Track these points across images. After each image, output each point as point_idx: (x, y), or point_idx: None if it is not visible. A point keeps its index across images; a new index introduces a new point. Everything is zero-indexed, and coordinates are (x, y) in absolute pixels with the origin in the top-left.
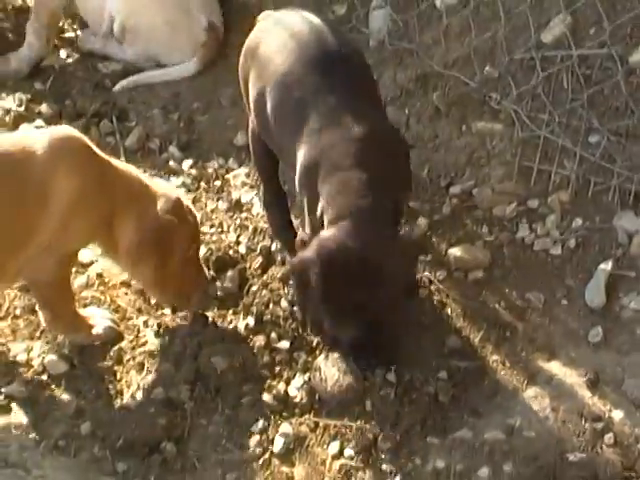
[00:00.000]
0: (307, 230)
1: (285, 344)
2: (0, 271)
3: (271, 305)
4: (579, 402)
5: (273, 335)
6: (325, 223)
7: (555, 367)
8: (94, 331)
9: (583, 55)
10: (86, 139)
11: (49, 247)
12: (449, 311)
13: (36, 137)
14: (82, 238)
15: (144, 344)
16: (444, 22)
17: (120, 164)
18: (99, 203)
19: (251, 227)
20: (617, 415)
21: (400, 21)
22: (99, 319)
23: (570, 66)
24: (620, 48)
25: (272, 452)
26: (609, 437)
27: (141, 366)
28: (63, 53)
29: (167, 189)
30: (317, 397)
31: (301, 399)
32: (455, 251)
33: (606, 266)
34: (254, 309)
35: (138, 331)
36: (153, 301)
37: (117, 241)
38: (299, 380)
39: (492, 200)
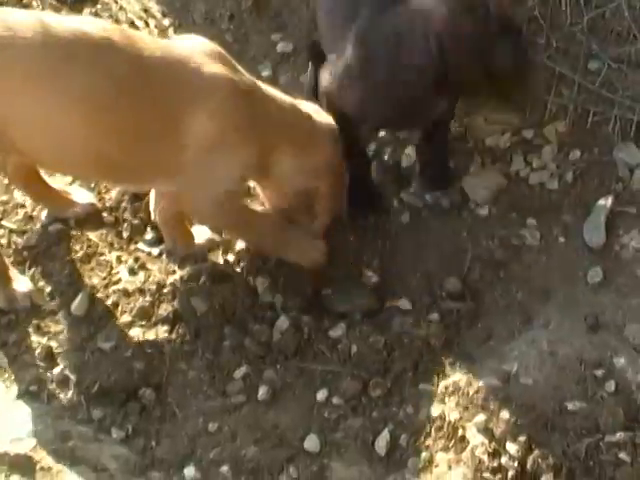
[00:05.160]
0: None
1: (266, 280)
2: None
3: None
4: (578, 347)
5: (255, 273)
6: None
7: (552, 309)
8: None
9: None
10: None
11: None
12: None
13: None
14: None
15: (117, 282)
16: None
17: (274, 93)
18: (252, 138)
19: None
20: (618, 361)
21: None
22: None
23: None
24: None
25: (256, 399)
26: (610, 385)
27: (115, 306)
28: None
29: (323, 117)
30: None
31: (286, 343)
32: None
33: (605, 202)
34: (234, 244)
35: (111, 268)
36: (126, 234)
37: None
38: (283, 322)
39: (484, 130)
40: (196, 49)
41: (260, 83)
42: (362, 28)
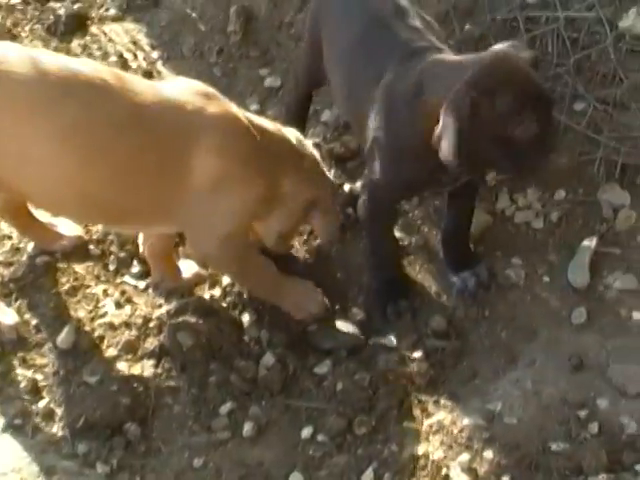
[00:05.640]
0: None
1: (252, 316)
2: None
3: None
4: (562, 388)
5: (241, 309)
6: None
7: (536, 349)
8: None
9: (570, 17)
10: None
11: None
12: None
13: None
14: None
15: (104, 315)
16: None
17: (263, 122)
18: (260, 171)
19: None
20: (602, 402)
21: None
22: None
23: (556, 29)
24: (609, 12)
25: (241, 435)
26: (593, 426)
27: (101, 339)
28: None
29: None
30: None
31: (271, 379)
32: None
33: (590, 243)
34: (221, 279)
35: (97, 301)
36: (113, 267)
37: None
38: (269, 358)
39: None
40: (190, 90)
41: (249, 114)
42: (388, 82)
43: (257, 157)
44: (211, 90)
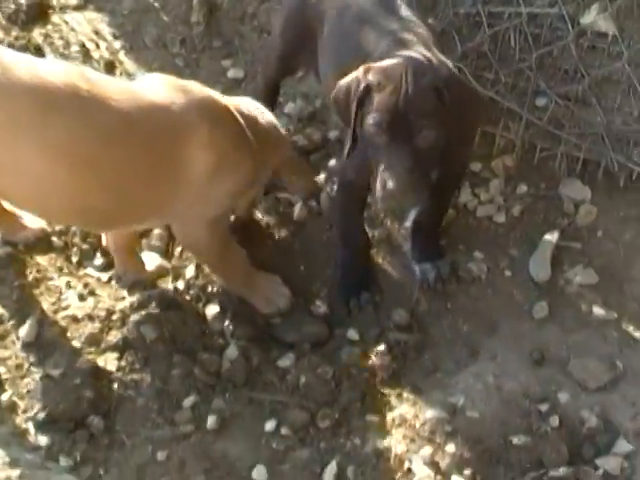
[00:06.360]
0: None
1: (216, 308)
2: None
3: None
4: (523, 381)
5: (204, 301)
6: None
7: (498, 343)
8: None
9: (532, 13)
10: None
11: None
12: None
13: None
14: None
15: (67, 308)
16: None
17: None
18: (248, 149)
19: None
20: (563, 396)
21: None
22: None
23: (518, 24)
24: (571, 8)
25: (205, 428)
26: (554, 419)
27: (64, 332)
28: None
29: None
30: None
31: (235, 372)
32: None
33: (551, 237)
34: (184, 272)
35: (60, 293)
36: (75, 259)
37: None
38: (232, 351)
39: None
40: (168, 86)
41: (213, 93)
42: None
43: (242, 138)
44: (186, 82)
